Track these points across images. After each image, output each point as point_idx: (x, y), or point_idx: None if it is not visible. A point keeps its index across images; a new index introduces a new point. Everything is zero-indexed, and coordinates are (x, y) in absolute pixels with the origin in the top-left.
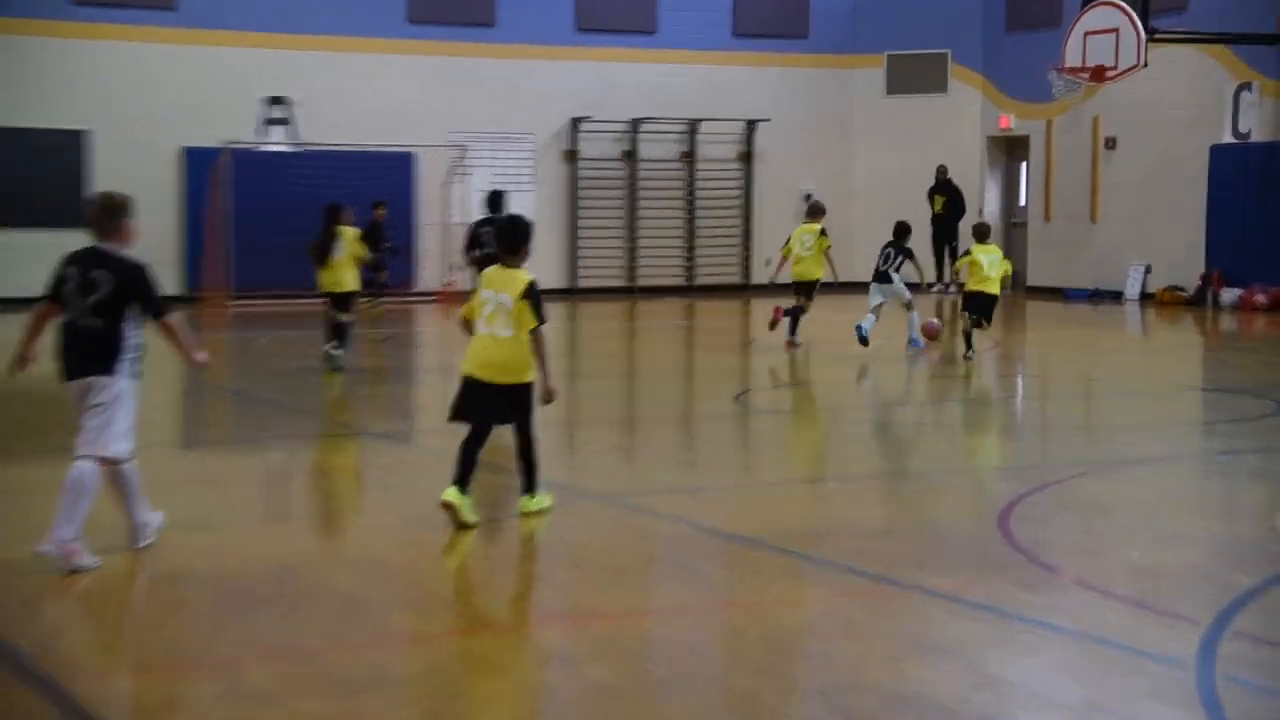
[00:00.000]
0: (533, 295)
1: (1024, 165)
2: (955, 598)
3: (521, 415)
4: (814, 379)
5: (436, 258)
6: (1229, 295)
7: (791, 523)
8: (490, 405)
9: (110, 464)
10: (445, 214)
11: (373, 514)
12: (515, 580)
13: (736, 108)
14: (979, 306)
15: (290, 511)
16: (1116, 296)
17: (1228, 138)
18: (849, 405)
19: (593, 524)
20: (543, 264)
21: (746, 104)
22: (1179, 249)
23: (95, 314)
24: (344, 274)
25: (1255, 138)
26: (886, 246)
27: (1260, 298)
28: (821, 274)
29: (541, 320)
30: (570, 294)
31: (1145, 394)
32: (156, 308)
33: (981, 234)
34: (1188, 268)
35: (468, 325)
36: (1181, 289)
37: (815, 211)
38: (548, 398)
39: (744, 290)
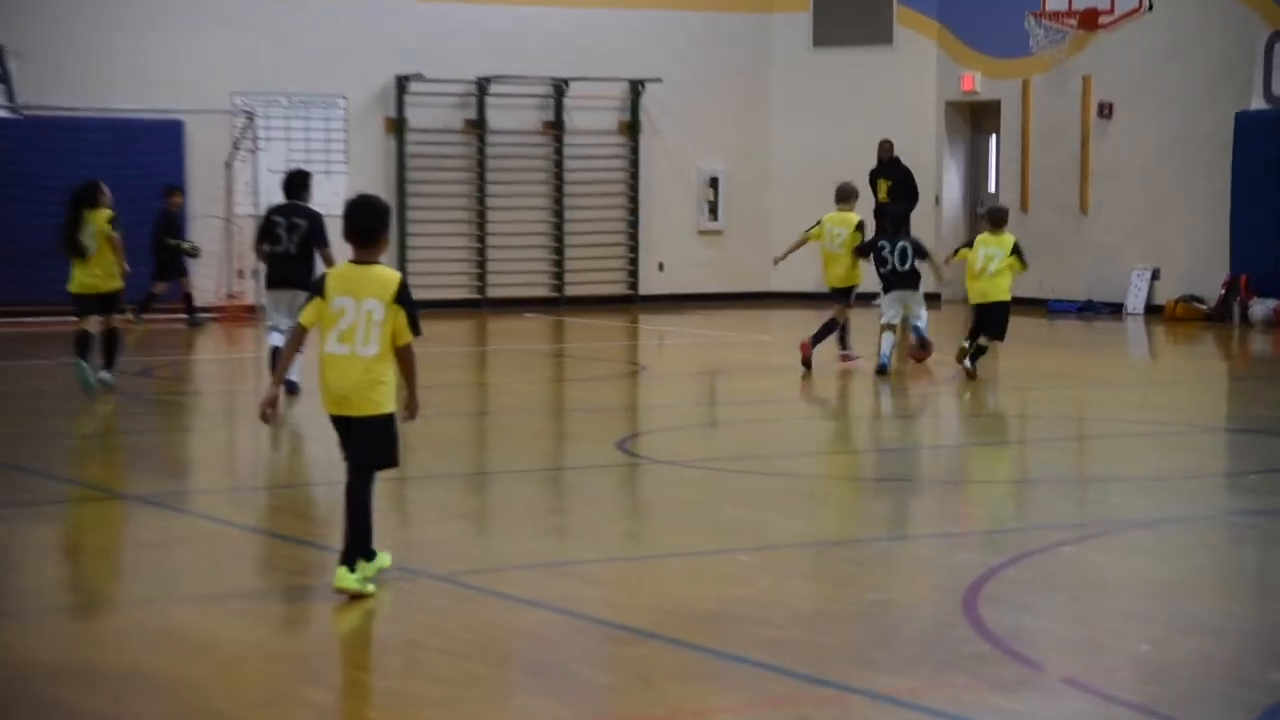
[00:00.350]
0: (407, 298)
1: (993, 139)
2: (910, 704)
3: (379, 455)
4: (725, 417)
5: (217, 261)
6: (1260, 308)
7: (693, 607)
8: (354, 445)
9: None
10: (228, 202)
11: (128, 608)
12: (321, 696)
13: (617, 64)
14: (985, 323)
15: (11, 607)
16: (1115, 310)
17: (1258, 103)
18: (769, 451)
19: (431, 613)
20: None
21: (630, 60)
22: (1195, 249)
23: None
24: (103, 270)
25: None
26: (888, 239)
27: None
28: (860, 277)
29: (418, 331)
30: None
31: (1153, 437)
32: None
33: (996, 219)
34: (1207, 273)
35: (299, 340)
36: (1199, 300)
37: (847, 196)
38: (412, 413)
39: (631, 303)
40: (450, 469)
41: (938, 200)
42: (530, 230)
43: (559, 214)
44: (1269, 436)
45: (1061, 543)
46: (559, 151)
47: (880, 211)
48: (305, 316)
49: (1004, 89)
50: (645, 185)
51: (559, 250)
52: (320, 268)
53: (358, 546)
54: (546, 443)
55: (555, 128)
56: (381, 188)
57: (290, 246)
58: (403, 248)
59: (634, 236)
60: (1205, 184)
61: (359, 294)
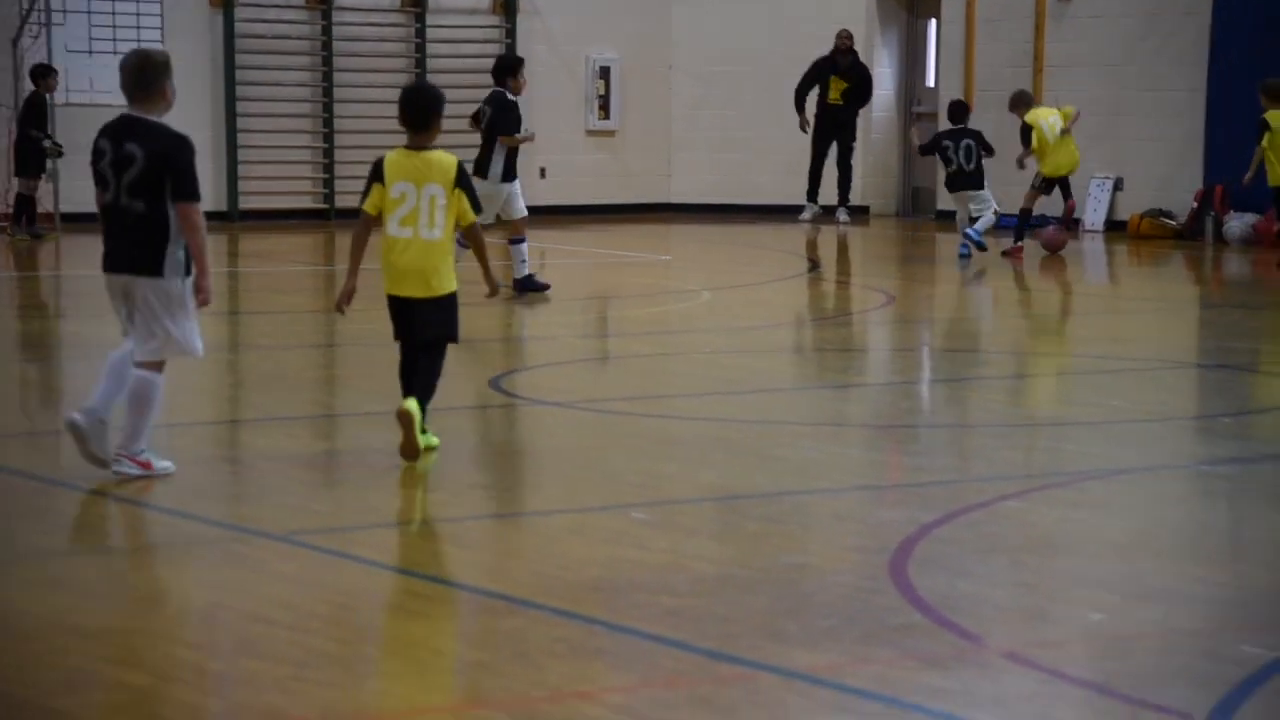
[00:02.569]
0: (466, 181)
1: (932, 26)
2: (828, 682)
3: (451, 329)
4: (618, 351)
5: (4, 157)
6: (1238, 224)
7: (579, 573)
8: (421, 323)
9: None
10: (16, 88)
11: None
12: (138, 679)
13: None
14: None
15: None
16: (1072, 225)
17: None
18: (670, 391)
19: (271, 580)
20: None
21: None
22: (1164, 156)
23: (135, 195)
24: None
25: None
26: (952, 136)
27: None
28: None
29: (479, 210)
30: (229, 220)
31: (1112, 374)
32: (185, 190)
33: (1272, 92)
34: (1177, 184)
35: (367, 228)
36: (1168, 215)
37: (1021, 102)
38: (493, 290)
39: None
40: (293, 410)
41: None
42: (387, 128)
43: None
44: (1244, 373)
45: (1004, 496)
46: (420, 34)
47: (825, 113)
48: (368, 203)
49: None
50: (526, 73)
51: None
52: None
53: (425, 395)
54: None
55: (416, 5)
56: (205, 74)
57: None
58: (232, 148)
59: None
60: (1178, 79)
61: (419, 180)
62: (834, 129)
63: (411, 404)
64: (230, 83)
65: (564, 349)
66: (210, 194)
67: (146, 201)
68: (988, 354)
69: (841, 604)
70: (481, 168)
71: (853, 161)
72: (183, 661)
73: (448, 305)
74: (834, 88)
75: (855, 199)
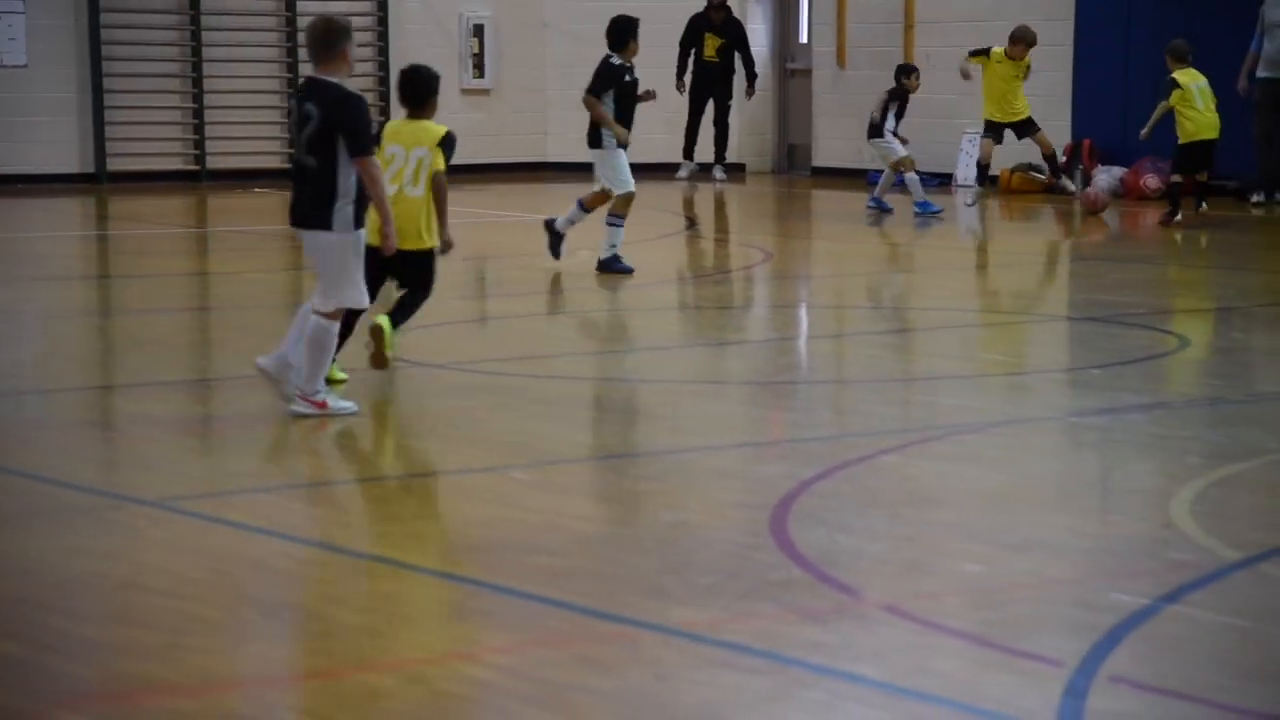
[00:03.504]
0: (448, 144)
1: None
2: (708, 639)
3: (430, 281)
4: (496, 312)
5: None
6: (1106, 177)
7: (460, 534)
8: (407, 273)
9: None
10: None
11: None
12: (6, 647)
13: None
14: (1201, 160)
15: None
16: (944, 181)
17: None
18: (549, 351)
19: (146, 546)
20: (47, 137)
21: None
22: (1034, 110)
23: (308, 151)
24: None
25: None
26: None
27: (1151, 180)
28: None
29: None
30: (96, 182)
31: (985, 328)
32: (358, 145)
33: (1179, 54)
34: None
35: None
36: (1038, 169)
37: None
38: (447, 246)
39: None
40: (167, 374)
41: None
42: (258, 89)
43: (292, 69)
44: (1113, 325)
45: (881, 451)
46: None
47: (700, 69)
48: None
49: None
50: (396, 34)
51: (291, 114)
52: None
53: (400, 319)
54: (270, 337)
55: None
56: (70, 33)
57: None
58: (99, 109)
59: (385, 97)
60: (1044, 34)
61: (409, 144)
62: (711, 87)
63: (383, 319)
64: (95, 42)
65: (441, 310)
66: (76, 156)
67: (320, 158)
68: (864, 309)
69: (722, 561)
70: (592, 136)
71: (729, 119)
72: (57, 630)
73: (429, 257)
74: (709, 45)
75: (731, 156)
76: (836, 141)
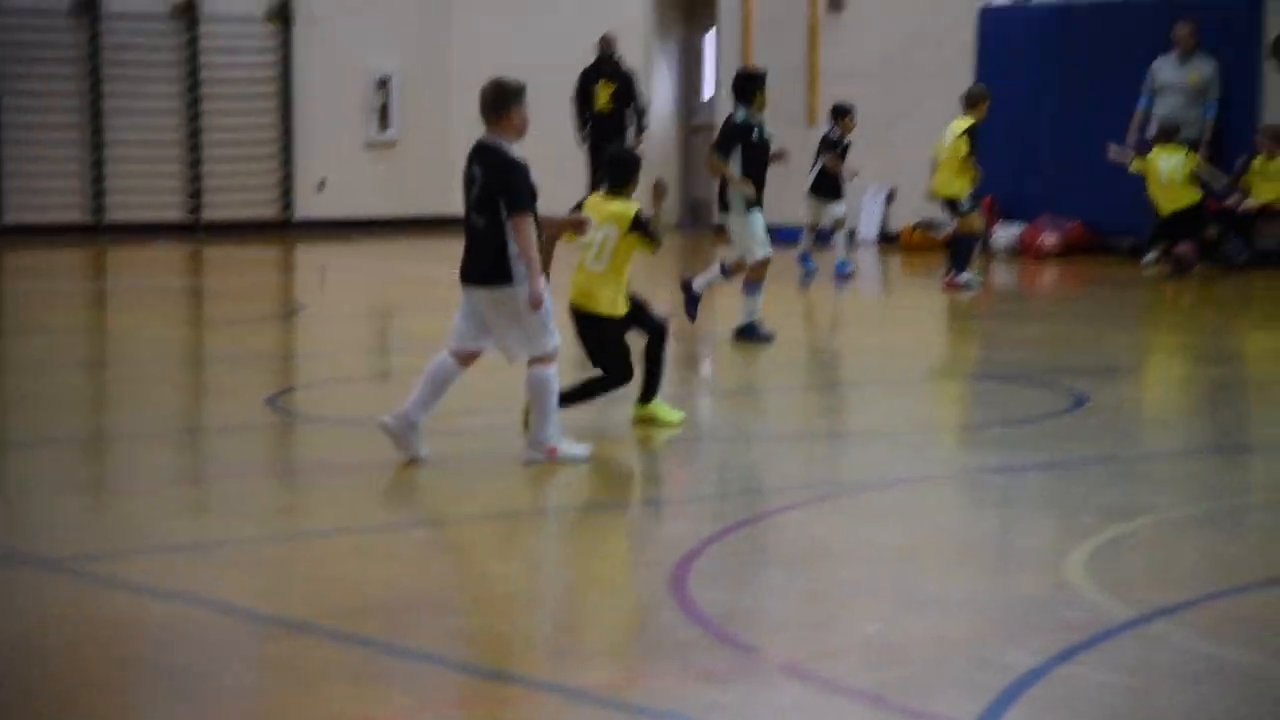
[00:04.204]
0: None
1: (710, 37)
2: (608, 701)
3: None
4: (399, 366)
5: None
6: (1005, 234)
7: (359, 594)
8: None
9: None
10: None
11: None
12: None
13: None
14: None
15: None
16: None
17: None
18: (450, 406)
19: (36, 607)
20: None
21: None
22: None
23: (478, 212)
24: None
25: None
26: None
27: (1049, 238)
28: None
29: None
30: None
31: (887, 385)
32: (513, 203)
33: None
34: None
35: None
36: (933, 226)
37: (973, 101)
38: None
39: (285, 230)
40: (63, 432)
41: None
42: (158, 140)
43: (194, 119)
44: (1012, 383)
45: (784, 508)
46: (193, 42)
47: (594, 121)
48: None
49: None
50: (301, 87)
51: (195, 165)
52: None
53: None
54: (182, 399)
55: (187, 12)
56: None
57: None
58: None
59: (288, 149)
60: (945, 90)
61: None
62: (610, 137)
63: (645, 408)
64: None
65: (344, 365)
66: None
67: (486, 218)
68: (769, 366)
69: (623, 620)
70: (722, 198)
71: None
72: None
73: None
74: (601, 95)
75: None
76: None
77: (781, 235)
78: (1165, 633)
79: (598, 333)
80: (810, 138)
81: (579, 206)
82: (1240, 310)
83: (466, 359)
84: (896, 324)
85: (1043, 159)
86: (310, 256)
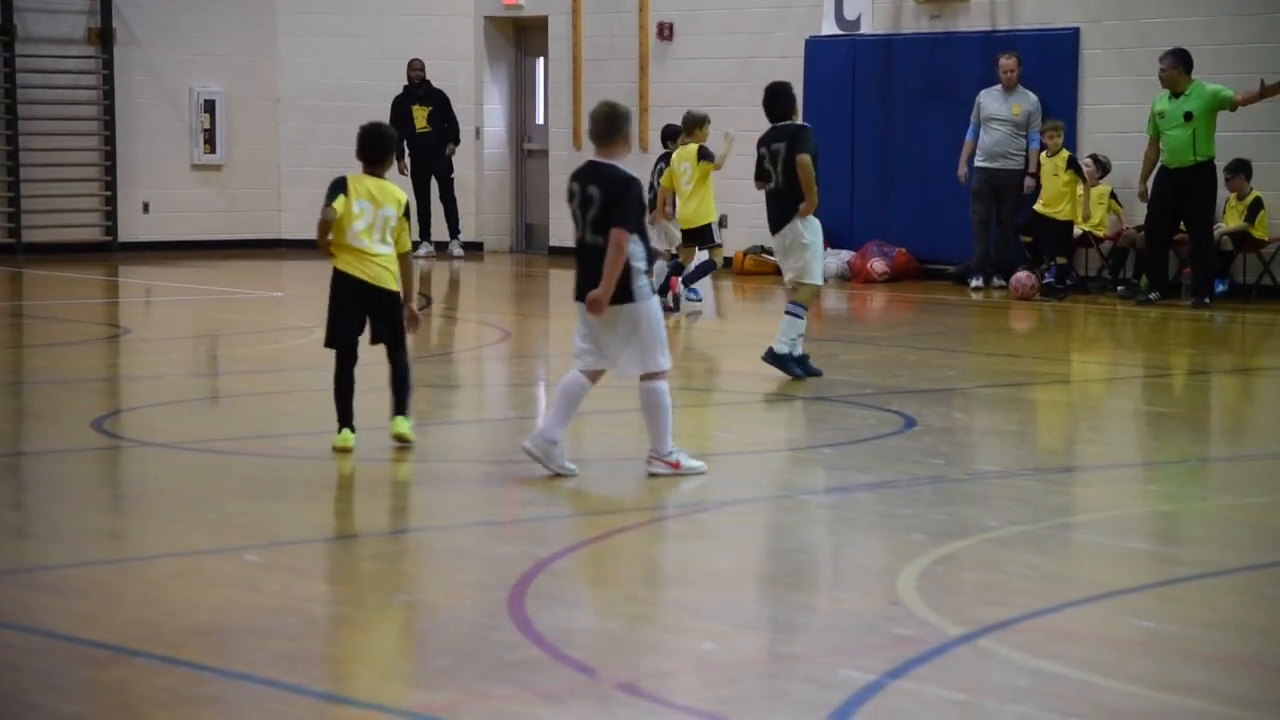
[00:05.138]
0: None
1: (541, 63)
2: None
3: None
4: (227, 390)
5: None
6: (834, 261)
7: (187, 618)
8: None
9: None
10: None
11: None
12: None
13: None
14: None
15: None
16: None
17: (829, 28)
18: (281, 430)
19: None
20: None
21: None
22: (764, 193)
23: (596, 231)
24: None
25: (867, 28)
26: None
27: (878, 265)
28: (712, 214)
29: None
30: None
31: (720, 407)
32: (619, 219)
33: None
34: None
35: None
36: (769, 251)
37: (690, 124)
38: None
39: (108, 252)
40: None
41: (479, 133)
42: (76, 161)
43: (12, 141)
44: (842, 405)
45: (618, 529)
46: (10, 63)
47: (416, 141)
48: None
49: (552, 3)
50: (124, 108)
51: (13, 187)
52: None
53: (404, 405)
54: (2, 423)
55: (4, 34)
56: None
57: None
58: None
59: (110, 171)
60: (727, 117)
61: (379, 201)
62: (431, 161)
63: (400, 424)
64: None
65: (171, 389)
66: None
67: (606, 237)
68: (603, 388)
69: (459, 641)
70: (787, 212)
71: (455, 192)
72: None
73: (397, 300)
74: (418, 117)
75: (469, 235)
76: (572, 222)
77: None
78: (994, 649)
79: (383, 308)
80: (643, 164)
81: (344, 185)
82: (1065, 335)
83: (595, 376)
84: (728, 348)
85: (870, 187)
86: (135, 280)
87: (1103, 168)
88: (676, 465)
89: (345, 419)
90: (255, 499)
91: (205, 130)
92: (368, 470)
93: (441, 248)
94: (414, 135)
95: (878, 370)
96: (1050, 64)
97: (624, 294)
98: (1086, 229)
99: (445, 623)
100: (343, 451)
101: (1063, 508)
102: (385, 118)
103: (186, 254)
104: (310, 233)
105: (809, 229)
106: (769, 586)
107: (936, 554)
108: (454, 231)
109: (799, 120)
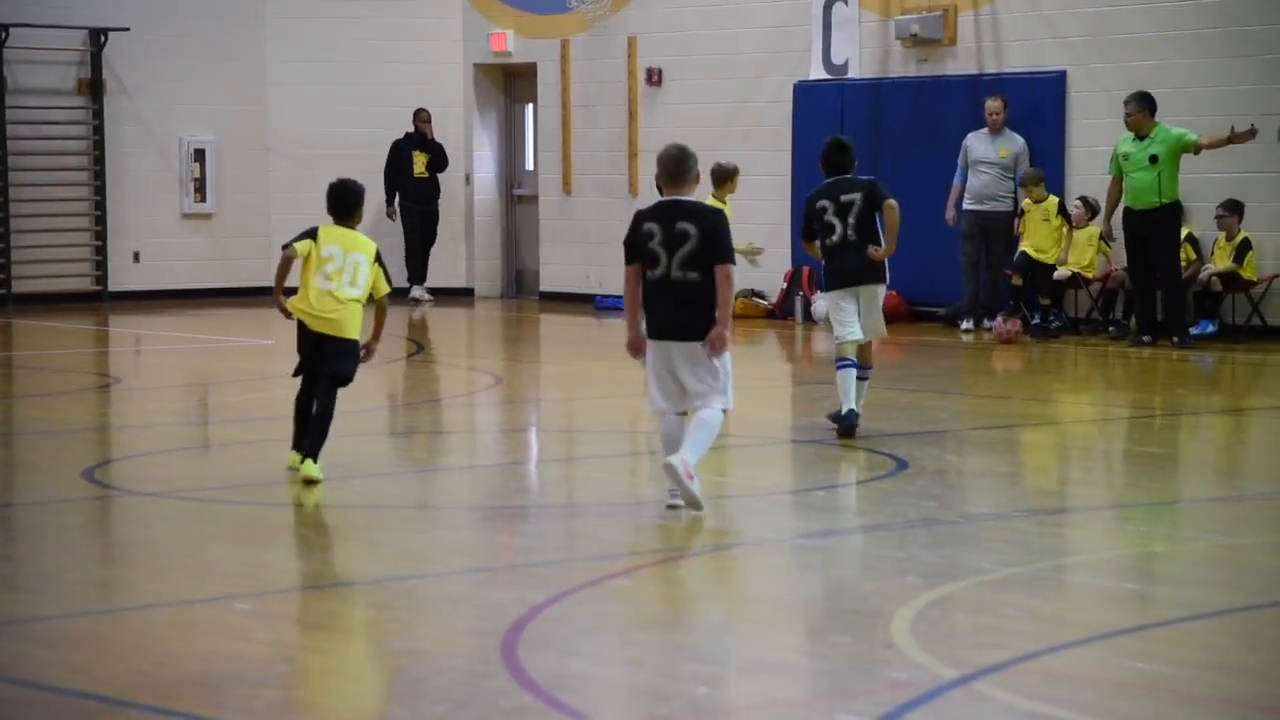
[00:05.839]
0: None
1: (530, 109)
2: None
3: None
4: (218, 438)
5: None
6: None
7: (179, 668)
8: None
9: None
10: None
11: None
12: None
13: (72, 8)
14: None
15: None
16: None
17: (818, 72)
18: (272, 478)
19: None
20: None
21: (89, 3)
22: (756, 237)
23: (685, 267)
24: None
25: (855, 72)
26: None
27: None
28: None
29: (389, 284)
30: None
31: (713, 451)
32: (725, 255)
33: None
34: (767, 265)
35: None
36: (760, 295)
37: (722, 177)
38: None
39: (99, 302)
40: None
41: (468, 179)
42: (66, 211)
43: (3, 192)
44: (835, 448)
45: (612, 575)
46: (0, 115)
47: (414, 185)
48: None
49: (541, 50)
50: (114, 158)
51: (3, 238)
52: None
53: (315, 447)
54: None
55: None
56: None
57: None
58: None
59: (101, 221)
60: (765, 163)
61: (347, 248)
62: (425, 200)
63: (307, 467)
64: None
65: (162, 437)
66: None
67: (700, 272)
68: (594, 433)
69: (452, 689)
70: (878, 265)
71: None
72: None
73: (354, 346)
74: (418, 162)
75: (460, 281)
76: (563, 266)
77: (604, 303)
78: (989, 691)
79: (339, 351)
80: (633, 208)
81: (314, 234)
82: (1055, 376)
83: (683, 413)
84: None
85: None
86: (126, 329)
87: (1091, 210)
88: (692, 478)
89: (298, 442)
90: (246, 548)
91: (195, 179)
92: (358, 517)
93: (403, 294)
94: (412, 180)
95: (869, 412)
96: (1038, 107)
97: (706, 329)
98: (1076, 271)
99: (438, 670)
100: (292, 470)
101: (1056, 549)
102: (376, 165)
103: (177, 303)
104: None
105: (884, 279)
106: (763, 630)
107: (930, 596)
108: (422, 278)
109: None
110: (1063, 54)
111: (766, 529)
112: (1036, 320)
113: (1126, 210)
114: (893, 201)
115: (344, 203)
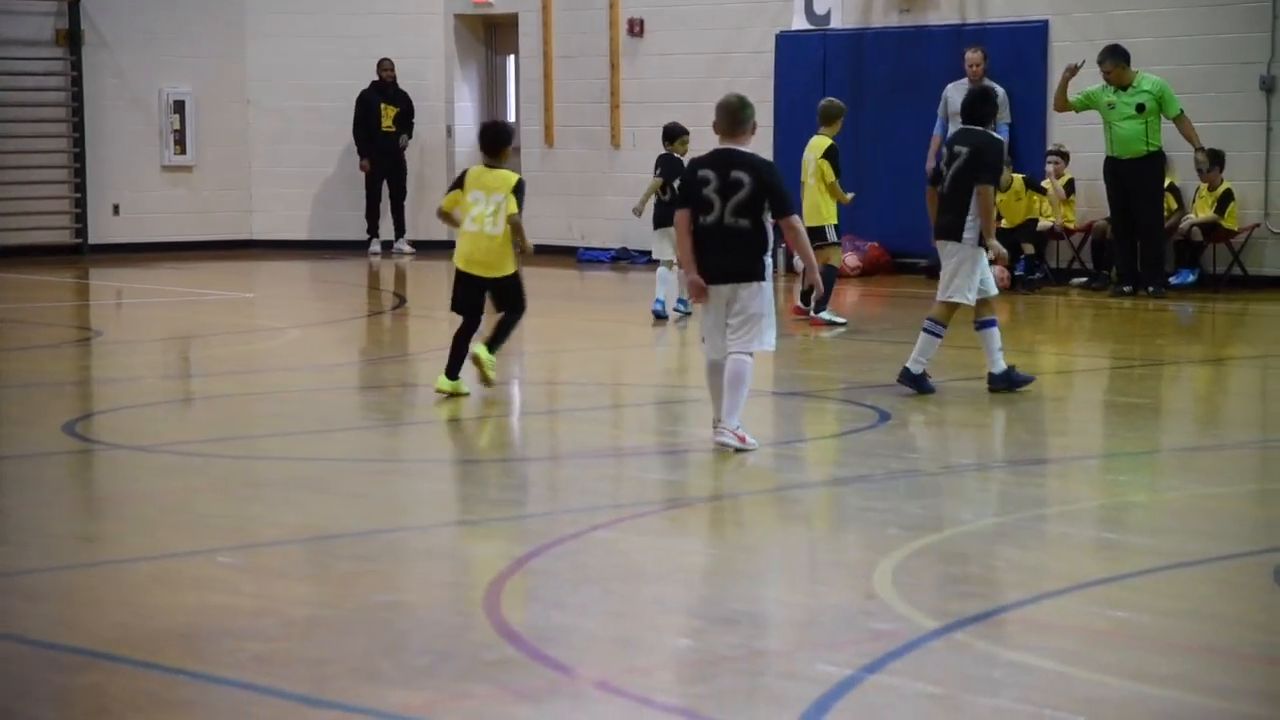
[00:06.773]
0: (519, 189)
1: (511, 61)
2: None
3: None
4: (200, 391)
5: None
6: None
7: (163, 621)
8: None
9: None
10: None
11: None
12: None
13: None
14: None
15: None
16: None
17: (800, 23)
18: (255, 431)
19: None
20: None
21: None
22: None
23: (738, 214)
24: None
25: (837, 22)
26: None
27: (850, 259)
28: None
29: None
30: None
31: (694, 404)
32: (790, 206)
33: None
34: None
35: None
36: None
37: (828, 117)
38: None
39: (79, 254)
40: None
41: (450, 131)
42: (45, 164)
43: (79, 143)
44: (815, 399)
45: (594, 526)
46: None
47: (383, 141)
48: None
49: (521, 1)
50: (93, 110)
51: None
52: None
53: (496, 344)
54: None
55: None
56: None
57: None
58: None
59: (80, 173)
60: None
61: (490, 190)
62: (393, 160)
63: (480, 348)
64: None
65: (144, 391)
66: None
67: (751, 219)
68: (576, 386)
69: (436, 641)
70: (956, 226)
71: (405, 191)
72: None
73: (514, 280)
74: (386, 115)
75: (444, 234)
76: (545, 219)
77: (587, 255)
78: (970, 642)
79: (499, 290)
80: (616, 160)
81: (461, 181)
82: (1036, 327)
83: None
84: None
85: (842, 181)
86: (106, 282)
87: (1064, 157)
88: (743, 440)
89: (451, 370)
90: (230, 501)
91: (175, 131)
92: (343, 470)
93: (388, 246)
94: (379, 133)
95: (851, 365)
96: (1020, 57)
97: (754, 273)
98: (1056, 221)
99: (421, 622)
100: (440, 394)
101: (1037, 500)
102: (350, 115)
103: (157, 256)
104: (280, 233)
105: (975, 243)
106: (744, 582)
107: (912, 548)
108: (401, 230)
109: (994, 130)
110: (1046, 4)
111: (748, 481)
112: (1020, 270)
113: (1111, 160)
114: (985, 187)
115: (495, 141)
